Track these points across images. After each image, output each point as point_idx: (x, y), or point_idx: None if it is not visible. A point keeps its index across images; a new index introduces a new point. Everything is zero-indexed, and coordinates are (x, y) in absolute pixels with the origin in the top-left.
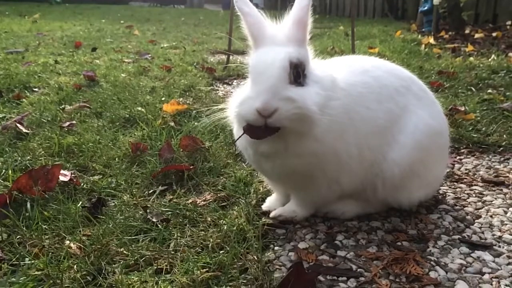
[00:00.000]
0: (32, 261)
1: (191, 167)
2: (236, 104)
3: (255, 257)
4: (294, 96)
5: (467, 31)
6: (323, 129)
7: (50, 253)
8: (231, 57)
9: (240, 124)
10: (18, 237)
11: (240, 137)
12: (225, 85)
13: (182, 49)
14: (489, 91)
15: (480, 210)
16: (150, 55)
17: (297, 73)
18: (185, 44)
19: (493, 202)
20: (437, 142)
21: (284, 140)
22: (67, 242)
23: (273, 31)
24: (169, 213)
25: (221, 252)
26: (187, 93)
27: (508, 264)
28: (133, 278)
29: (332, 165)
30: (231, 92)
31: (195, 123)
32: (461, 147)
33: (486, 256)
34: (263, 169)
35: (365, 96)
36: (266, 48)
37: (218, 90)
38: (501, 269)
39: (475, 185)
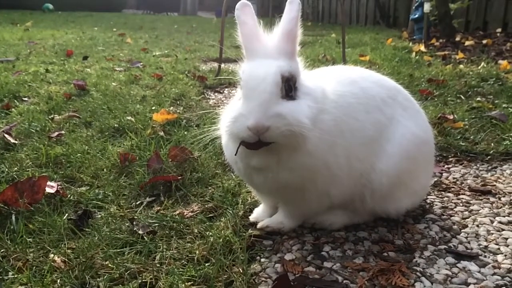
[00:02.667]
0: (16, 275)
1: (179, 177)
2: (229, 121)
3: (240, 269)
4: (286, 112)
5: (457, 39)
6: (315, 143)
7: (34, 267)
8: (223, 65)
9: (234, 140)
10: (2, 250)
11: (238, 150)
12: (216, 94)
13: (174, 57)
14: (478, 99)
15: (467, 220)
16: (141, 64)
17: (289, 86)
18: (177, 52)
19: (480, 211)
20: (424, 151)
21: (277, 154)
22: (52, 255)
23: (265, 43)
24: (156, 225)
25: (206, 264)
26: (178, 102)
27: (494, 274)
28: None
29: (324, 178)
30: (223, 101)
31: (185, 133)
32: (449, 156)
33: (472, 266)
34: (254, 183)
35: (354, 107)
36: (258, 61)
37: (209, 98)
38: (487, 279)
39: (462, 194)
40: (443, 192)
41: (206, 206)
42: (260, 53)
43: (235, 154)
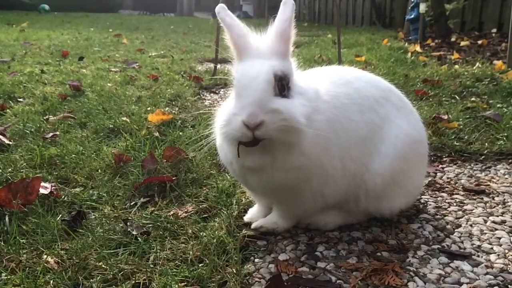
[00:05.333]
0: (9, 277)
1: (174, 178)
2: (222, 123)
3: (234, 270)
4: (280, 107)
5: (453, 39)
6: (309, 142)
7: (27, 268)
8: (219, 65)
9: (230, 142)
10: None
11: (238, 151)
12: (212, 94)
13: (170, 57)
14: (473, 99)
15: (460, 219)
16: (137, 64)
17: (282, 85)
18: (173, 52)
19: (473, 211)
20: (417, 151)
21: (271, 154)
22: (45, 256)
23: (257, 43)
24: (150, 225)
25: (200, 265)
26: (173, 103)
27: (486, 274)
28: None
29: (318, 179)
30: (218, 101)
31: (180, 133)
32: (444, 156)
33: (465, 266)
34: (249, 184)
35: (348, 108)
36: (250, 61)
37: (205, 99)
38: (479, 279)
39: (456, 194)
40: (437, 192)
41: (200, 206)
42: (253, 53)
43: (238, 156)
